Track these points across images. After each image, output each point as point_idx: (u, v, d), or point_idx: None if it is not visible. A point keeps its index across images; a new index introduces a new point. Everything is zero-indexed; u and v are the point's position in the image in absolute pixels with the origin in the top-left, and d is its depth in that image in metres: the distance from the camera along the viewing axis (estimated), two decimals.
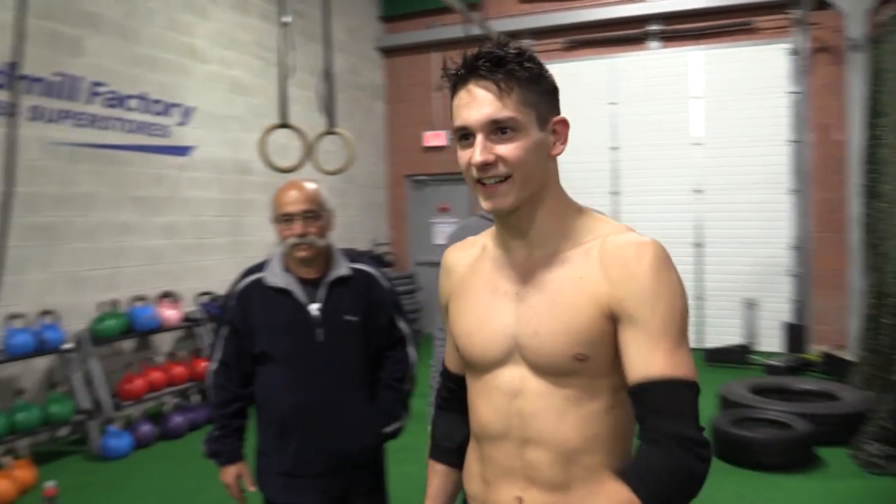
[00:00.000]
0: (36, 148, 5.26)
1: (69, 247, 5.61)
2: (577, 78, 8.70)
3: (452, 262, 1.46)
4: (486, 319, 1.33)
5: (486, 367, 1.34)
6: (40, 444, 5.09)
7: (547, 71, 1.29)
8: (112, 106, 5.90)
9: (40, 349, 5.01)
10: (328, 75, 5.04)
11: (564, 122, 1.31)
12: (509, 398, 1.30)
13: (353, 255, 2.42)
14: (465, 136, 1.25)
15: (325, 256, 2.31)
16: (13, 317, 4.99)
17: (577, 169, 8.32)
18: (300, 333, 2.25)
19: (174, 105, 6.51)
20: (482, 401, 1.36)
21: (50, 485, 3.97)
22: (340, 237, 8.20)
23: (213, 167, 6.91)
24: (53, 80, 5.42)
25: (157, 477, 4.73)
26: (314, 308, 2.26)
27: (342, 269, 2.32)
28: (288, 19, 4.74)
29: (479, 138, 1.22)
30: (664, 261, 1.21)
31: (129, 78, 6.05)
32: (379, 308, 2.37)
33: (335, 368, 2.27)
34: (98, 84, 5.77)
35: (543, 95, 1.27)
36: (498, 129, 1.22)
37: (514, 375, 1.30)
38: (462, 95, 1.24)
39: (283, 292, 2.26)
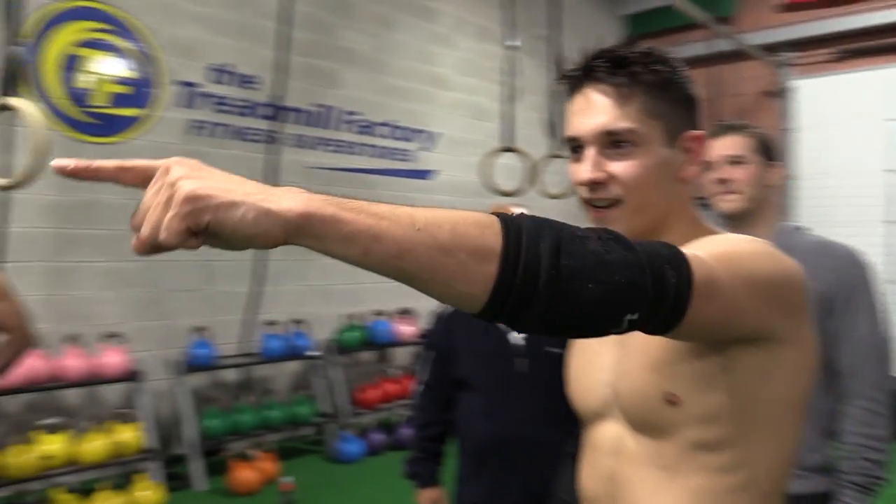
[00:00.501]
0: (296, 172, 5.82)
1: (321, 262, 6.11)
2: (845, 93, 7.77)
3: None
4: (588, 364, 1.16)
5: (588, 418, 1.17)
6: (284, 441, 5.58)
7: (684, 76, 1.07)
8: (362, 133, 6.39)
9: (290, 354, 5.53)
10: (556, 97, 5.00)
11: (700, 139, 1.07)
12: (606, 459, 1.11)
13: None
14: (576, 147, 1.08)
15: None
16: (270, 323, 5.54)
17: (840, 195, 7.38)
18: (499, 362, 2.20)
19: (419, 131, 6.87)
20: (584, 457, 1.19)
21: (287, 480, 4.32)
22: None
23: (454, 190, 7.17)
24: (312, 111, 5.99)
25: (385, 485, 4.94)
26: (515, 337, 2.20)
27: None
28: (515, 43, 4.78)
29: (591, 152, 1.04)
30: (756, 239, 1.00)
31: (379, 107, 6.50)
32: None
33: (534, 402, 2.19)
34: (351, 113, 6.28)
35: (675, 105, 1.05)
36: (613, 141, 1.03)
37: (612, 432, 1.10)
38: (577, 101, 1.07)
39: None
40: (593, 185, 1.04)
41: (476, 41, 7.40)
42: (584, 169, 1.04)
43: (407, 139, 6.79)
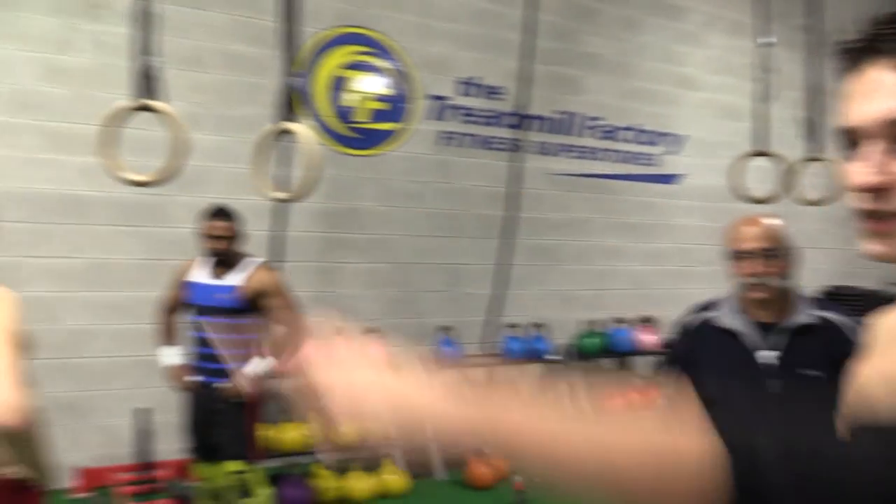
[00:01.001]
0: (538, 178, 5.95)
1: (562, 267, 6.21)
2: None
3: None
4: None
5: None
6: None
7: None
8: (605, 138, 6.35)
9: (531, 357, 5.66)
10: (816, 92, 4.59)
11: None
12: None
13: (821, 302, 2.17)
14: (853, 142, 0.80)
15: (784, 300, 2.11)
16: (511, 326, 5.71)
17: None
18: (748, 381, 2.10)
19: (664, 134, 6.67)
20: None
21: (520, 479, 4.42)
22: (844, 273, 7.34)
23: (701, 195, 6.86)
24: (554, 118, 6.08)
25: None
26: (765, 355, 2.08)
27: (804, 316, 2.08)
28: (770, 39, 4.46)
29: (874, 147, 0.77)
30: None
31: (622, 111, 6.42)
32: (847, 367, 2.06)
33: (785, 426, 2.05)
34: (593, 119, 6.27)
35: None
36: None
37: None
38: (856, 81, 0.80)
39: (732, 335, 2.13)
40: (876, 191, 0.78)
41: (727, 37, 7.01)
42: (864, 170, 0.78)
43: (651, 143, 6.62)
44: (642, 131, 6.56)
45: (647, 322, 6.25)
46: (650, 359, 6.46)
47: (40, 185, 4.41)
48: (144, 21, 2.89)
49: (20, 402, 1.43)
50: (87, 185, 4.53)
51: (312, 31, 5.05)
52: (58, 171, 4.48)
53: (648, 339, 6.10)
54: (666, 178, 6.73)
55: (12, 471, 1.66)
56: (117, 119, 3.00)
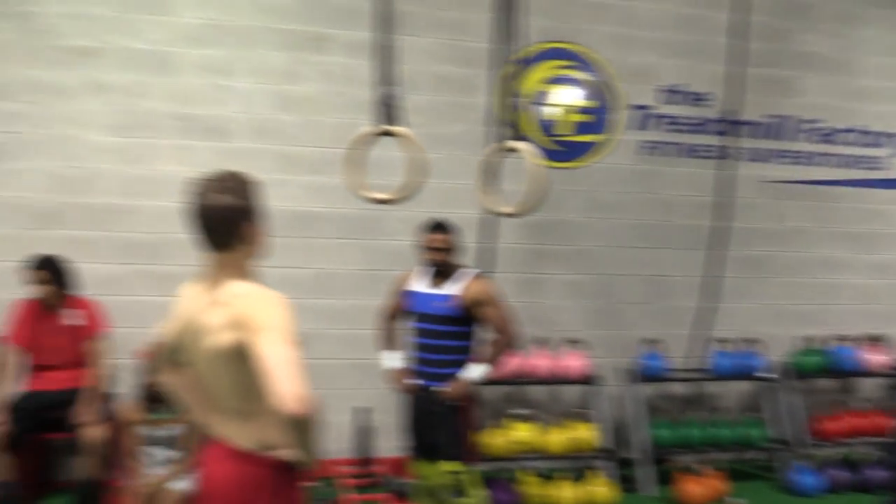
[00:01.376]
0: (750, 186, 5.67)
1: (776, 280, 5.88)
2: None
3: None
4: None
5: None
6: (732, 461, 5.45)
7: None
8: (823, 142, 5.94)
9: (741, 374, 5.40)
10: None
11: None
12: None
13: None
14: None
15: None
16: (721, 341, 5.48)
17: None
18: None
19: (893, 135, 6.11)
20: None
21: (739, 501, 4.23)
22: None
23: None
24: (765, 123, 5.78)
25: None
26: None
27: None
28: None
29: None
30: None
31: (842, 112, 5.97)
32: None
33: None
34: (808, 121, 5.88)
35: None
36: None
37: None
38: None
39: None
40: None
41: None
42: None
43: (877, 145, 6.09)
44: (866, 132, 6.05)
45: (875, 340, 5.73)
46: (879, 381, 5.93)
47: (276, 202, 4.83)
48: (384, 53, 3.15)
49: (305, 393, 1.63)
50: (314, 202, 4.98)
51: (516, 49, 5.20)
52: (290, 190, 4.95)
53: (877, 359, 5.60)
54: (893, 183, 6.15)
55: (287, 453, 1.89)
56: (361, 143, 3.29)
